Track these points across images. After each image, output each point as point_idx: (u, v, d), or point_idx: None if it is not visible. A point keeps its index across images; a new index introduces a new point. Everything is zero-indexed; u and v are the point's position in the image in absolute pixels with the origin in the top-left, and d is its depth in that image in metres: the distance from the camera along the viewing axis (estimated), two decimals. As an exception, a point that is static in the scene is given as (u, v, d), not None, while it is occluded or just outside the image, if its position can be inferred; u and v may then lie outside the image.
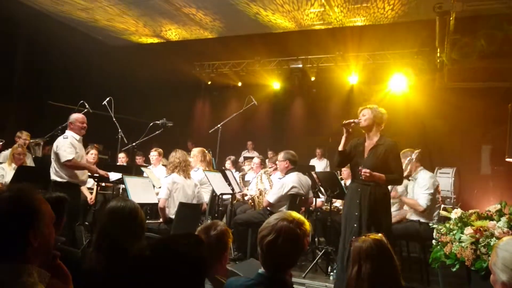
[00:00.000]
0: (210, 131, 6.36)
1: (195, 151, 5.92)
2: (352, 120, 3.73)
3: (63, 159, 4.51)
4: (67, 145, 4.55)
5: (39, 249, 1.46)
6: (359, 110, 3.81)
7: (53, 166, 4.65)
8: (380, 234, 2.04)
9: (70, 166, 4.58)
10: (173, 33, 9.42)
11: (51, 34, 8.02)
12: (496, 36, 6.86)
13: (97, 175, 5.07)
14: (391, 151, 3.63)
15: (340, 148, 3.76)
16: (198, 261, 1.46)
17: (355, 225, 3.54)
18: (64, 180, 4.59)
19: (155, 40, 10.03)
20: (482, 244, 2.98)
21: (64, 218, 2.44)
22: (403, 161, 4.47)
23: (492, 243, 2.89)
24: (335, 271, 4.57)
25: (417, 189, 4.36)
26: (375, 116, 3.68)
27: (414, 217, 4.36)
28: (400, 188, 4.65)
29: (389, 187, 4.42)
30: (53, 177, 4.62)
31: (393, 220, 4.08)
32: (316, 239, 5.51)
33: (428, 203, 4.24)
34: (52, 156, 4.68)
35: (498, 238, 2.84)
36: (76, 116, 4.86)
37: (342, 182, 5.64)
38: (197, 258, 1.46)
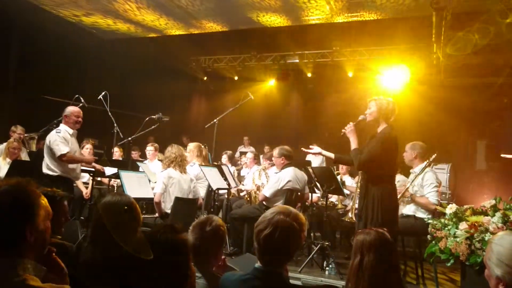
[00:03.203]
0: (206, 126, 6.33)
1: (191, 146, 5.90)
2: (350, 125, 3.59)
3: (58, 153, 4.45)
4: (60, 139, 4.49)
5: (34, 244, 1.45)
6: (368, 101, 3.68)
7: (45, 160, 4.58)
8: (385, 228, 2.05)
9: (66, 160, 4.52)
10: (143, 12, 8.52)
11: (46, 28, 7.95)
12: (490, 31, 6.88)
13: (93, 169, 5.04)
14: (377, 136, 3.53)
15: (355, 146, 3.59)
16: (176, 244, 1.75)
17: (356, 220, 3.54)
18: (56, 174, 4.52)
19: (124, 27, 9.50)
20: (477, 239, 3.00)
21: (63, 215, 2.41)
22: (410, 153, 4.45)
23: (486, 238, 2.92)
24: (330, 266, 4.59)
25: (423, 189, 4.34)
26: (379, 108, 3.54)
27: (410, 212, 4.37)
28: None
29: (399, 183, 4.39)
30: (45, 170, 4.55)
31: None
32: (312, 234, 5.52)
33: (438, 198, 4.27)
34: (45, 150, 4.61)
35: (493, 233, 2.87)
36: (72, 109, 4.75)
37: (338, 177, 5.65)
38: (175, 242, 1.75)
